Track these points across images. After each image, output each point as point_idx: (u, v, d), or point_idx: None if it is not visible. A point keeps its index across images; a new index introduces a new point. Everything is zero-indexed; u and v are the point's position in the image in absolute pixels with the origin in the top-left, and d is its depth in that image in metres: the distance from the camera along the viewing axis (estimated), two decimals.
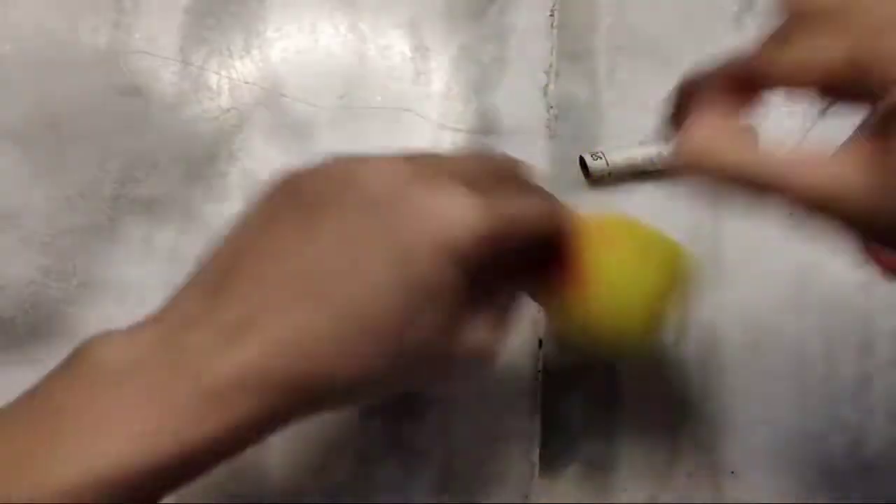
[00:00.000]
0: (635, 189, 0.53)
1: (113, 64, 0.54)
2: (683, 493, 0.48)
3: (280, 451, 0.48)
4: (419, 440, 0.49)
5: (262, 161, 0.53)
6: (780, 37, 0.30)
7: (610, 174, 0.52)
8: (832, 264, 0.52)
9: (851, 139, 0.29)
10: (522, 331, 0.50)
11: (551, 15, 0.57)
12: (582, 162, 0.53)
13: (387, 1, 0.57)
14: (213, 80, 0.54)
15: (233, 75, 0.54)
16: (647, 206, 0.53)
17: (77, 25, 0.55)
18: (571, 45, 0.56)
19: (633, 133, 0.54)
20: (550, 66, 0.56)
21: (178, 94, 0.54)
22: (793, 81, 0.30)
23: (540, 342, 0.50)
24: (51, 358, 0.48)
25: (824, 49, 0.28)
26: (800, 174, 0.28)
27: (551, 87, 0.55)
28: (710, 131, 0.31)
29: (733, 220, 0.53)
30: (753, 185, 0.29)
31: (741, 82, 0.32)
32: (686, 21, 0.57)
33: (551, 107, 0.55)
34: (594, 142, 0.54)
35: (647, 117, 0.54)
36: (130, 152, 0.52)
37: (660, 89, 0.55)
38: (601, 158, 0.52)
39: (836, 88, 0.29)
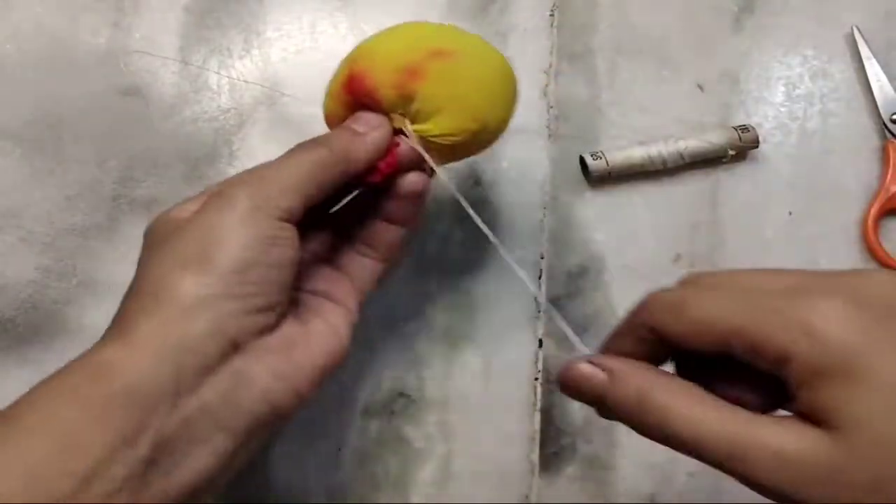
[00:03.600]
0: (635, 188, 0.53)
1: (113, 64, 0.54)
2: (683, 493, 0.48)
3: (280, 451, 0.48)
4: (419, 440, 0.49)
5: (263, 161, 0.53)
6: (675, 301, 0.31)
7: (610, 174, 0.52)
8: (832, 264, 0.52)
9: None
10: (522, 331, 0.50)
11: (551, 15, 0.57)
12: (582, 161, 0.53)
13: (387, 0, 0.57)
14: (213, 79, 0.54)
15: (233, 75, 0.54)
16: (646, 205, 0.53)
17: (77, 25, 0.55)
18: (571, 45, 0.56)
19: (632, 133, 0.54)
20: (550, 65, 0.56)
21: (178, 94, 0.54)
22: (689, 343, 0.30)
23: (540, 342, 0.50)
24: (50, 358, 0.48)
25: (718, 315, 0.29)
26: (746, 458, 0.28)
27: (551, 86, 0.55)
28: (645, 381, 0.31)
29: (733, 220, 0.53)
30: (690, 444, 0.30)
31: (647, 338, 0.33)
32: (686, 21, 0.57)
33: (551, 106, 0.55)
34: (594, 141, 0.54)
35: (647, 117, 0.55)
36: (130, 152, 0.52)
37: (659, 89, 0.56)
38: (601, 158, 0.52)
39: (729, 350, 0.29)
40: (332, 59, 0.56)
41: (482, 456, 0.48)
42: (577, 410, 0.49)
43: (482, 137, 0.41)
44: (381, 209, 0.41)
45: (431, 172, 0.40)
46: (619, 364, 0.32)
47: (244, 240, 0.33)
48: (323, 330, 0.37)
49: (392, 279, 0.51)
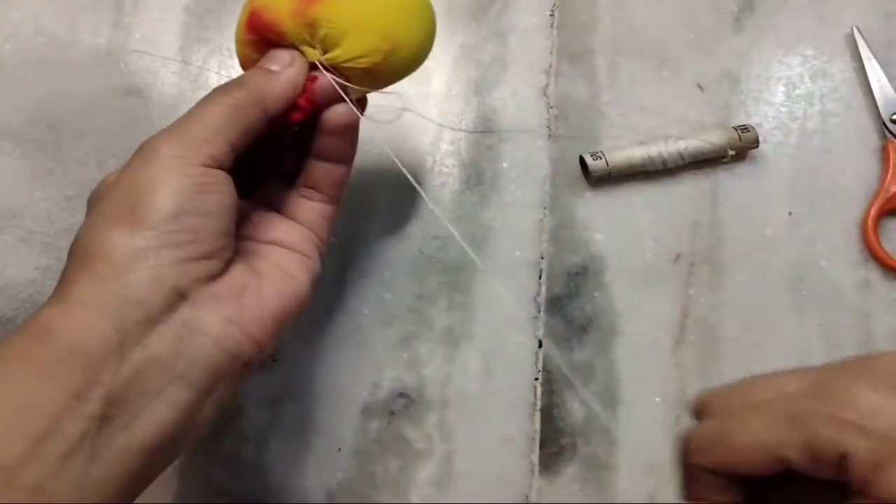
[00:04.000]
0: (635, 189, 0.53)
1: (113, 64, 0.54)
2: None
3: (280, 451, 0.48)
4: (419, 440, 0.49)
5: None
6: (715, 433, 0.31)
7: (610, 174, 0.52)
8: (832, 264, 0.52)
9: None
10: (522, 331, 0.50)
11: (551, 15, 0.57)
12: (582, 161, 0.53)
13: None
14: (213, 79, 0.54)
15: (232, 75, 0.54)
16: (646, 205, 0.53)
17: (77, 25, 0.55)
18: (571, 45, 0.56)
19: (632, 133, 0.54)
20: (550, 65, 0.56)
21: (177, 94, 0.54)
22: (746, 470, 0.30)
23: (540, 342, 0.50)
24: None
25: (766, 435, 0.29)
26: None
27: (551, 86, 0.55)
28: None
29: (733, 220, 0.53)
30: None
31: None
32: (686, 21, 0.57)
33: (551, 106, 0.55)
34: (594, 141, 0.54)
35: (647, 117, 0.55)
36: (130, 152, 0.51)
37: (659, 89, 0.56)
38: (601, 158, 0.52)
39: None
40: None
41: (482, 456, 0.48)
42: (577, 410, 0.49)
43: (398, 57, 0.40)
44: (315, 148, 0.41)
45: (362, 105, 0.40)
46: None
47: (171, 188, 0.33)
48: (276, 275, 0.37)
49: (392, 279, 0.51)
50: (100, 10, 0.55)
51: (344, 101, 0.39)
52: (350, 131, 0.41)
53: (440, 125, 0.54)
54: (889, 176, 0.53)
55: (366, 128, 0.54)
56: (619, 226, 0.53)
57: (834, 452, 0.27)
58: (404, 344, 0.50)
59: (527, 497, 0.48)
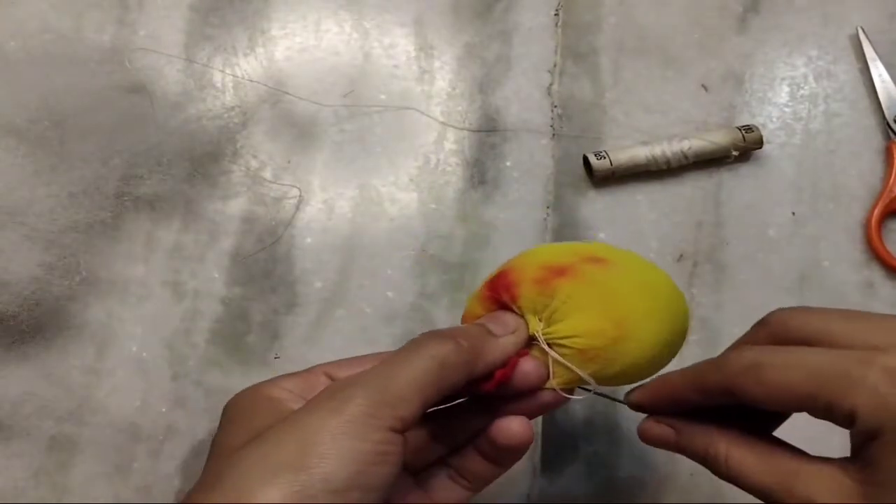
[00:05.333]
0: (638, 188, 0.53)
1: (118, 61, 0.54)
2: (684, 493, 0.48)
3: None
4: None
5: (266, 159, 0.53)
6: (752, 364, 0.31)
7: (613, 173, 0.52)
8: (835, 265, 0.52)
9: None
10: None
11: (556, 14, 0.57)
12: (586, 161, 0.53)
13: None
14: (217, 77, 0.54)
15: (237, 73, 0.55)
16: (650, 205, 0.53)
17: (82, 23, 0.55)
18: (576, 45, 0.56)
19: (636, 132, 0.54)
20: (555, 65, 0.56)
21: (182, 92, 0.54)
22: (764, 403, 0.31)
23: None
24: (53, 355, 0.48)
25: (796, 381, 0.30)
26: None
27: (555, 86, 0.55)
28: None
29: (737, 220, 0.53)
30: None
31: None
32: (690, 21, 0.57)
33: (555, 106, 0.55)
34: (598, 141, 0.54)
35: (651, 117, 0.55)
36: (134, 149, 0.52)
37: (663, 89, 0.56)
38: (605, 157, 0.52)
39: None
40: (336, 57, 0.56)
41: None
42: (578, 410, 0.49)
43: (624, 349, 0.35)
44: (480, 445, 0.37)
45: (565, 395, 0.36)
46: (681, 424, 0.35)
47: (351, 454, 0.29)
48: None
49: (395, 277, 0.51)
50: (105, 7, 0.55)
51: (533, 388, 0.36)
52: (522, 450, 0.36)
53: (444, 124, 0.54)
54: (893, 176, 0.53)
55: (370, 126, 0.54)
56: (622, 225, 0.53)
57: (847, 409, 0.28)
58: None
59: (528, 497, 0.48)
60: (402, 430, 0.31)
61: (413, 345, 0.33)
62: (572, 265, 0.36)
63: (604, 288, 0.36)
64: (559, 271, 0.36)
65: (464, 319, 0.39)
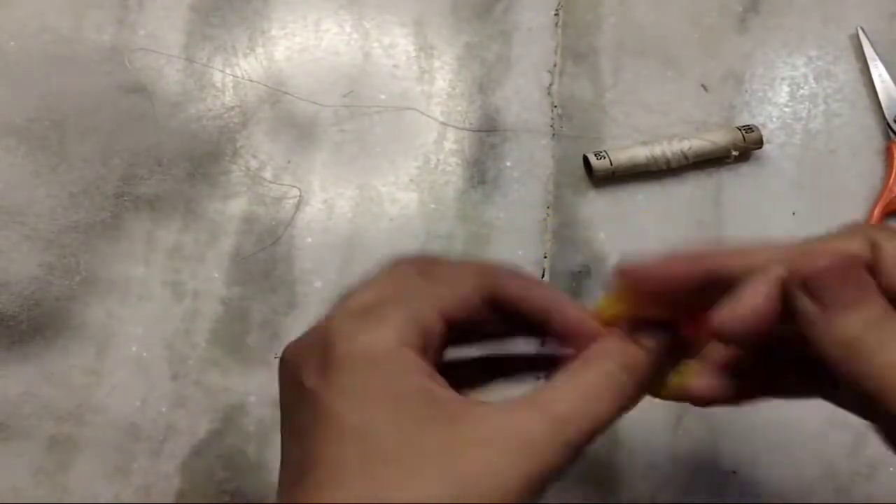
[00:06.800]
0: (638, 188, 0.53)
1: (117, 61, 0.54)
2: (685, 493, 0.48)
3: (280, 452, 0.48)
4: None
5: (266, 159, 0.53)
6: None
7: (613, 173, 0.52)
8: None
9: None
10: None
11: (556, 14, 0.57)
12: (585, 161, 0.53)
13: None
14: (217, 77, 0.54)
15: (237, 73, 0.55)
16: (650, 205, 0.53)
17: (82, 23, 0.55)
18: (576, 45, 0.56)
19: (636, 132, 0.54)
20: (555, 65, 0.56)
21: (182, 92, 0.54)
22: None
23: (542, 341, 0.50)
24: (53, 355, 0.48)
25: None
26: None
27: (555, 86, 0.55)
28: None
29: (736, 220, 0.53)
30: None
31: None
32: (690, 21, 0.57)
33: (555, 106, 0.55)
34: (598, 141, 0.54)
35: (651, 117, 0.55)
36: (134, 149, 0.52)
37: (663, 89, 0.56)
38: (605, 157, 0.52)
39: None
40: (336, 57, 0.56)
41: None
42: None
43: None
44: None
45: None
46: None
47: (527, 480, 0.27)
48: None
49: None
50: (105, 7, 0.55)
51: None
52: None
53: (444, 124, 0.54)
54: (893, 176, 0.53)
55: (370, 126, 0.54)
56: (622, 225, 0.53)
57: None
58: None
59: None
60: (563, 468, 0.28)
61: (596, 355, 0.31)
62: None
63: None
64: None
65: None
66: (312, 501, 0.26)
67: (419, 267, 0.33)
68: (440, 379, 0.29)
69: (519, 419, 0.28)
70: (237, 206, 0.52)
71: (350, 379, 0.28)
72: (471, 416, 0.28)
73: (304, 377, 0.30)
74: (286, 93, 0.54)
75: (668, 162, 0.52)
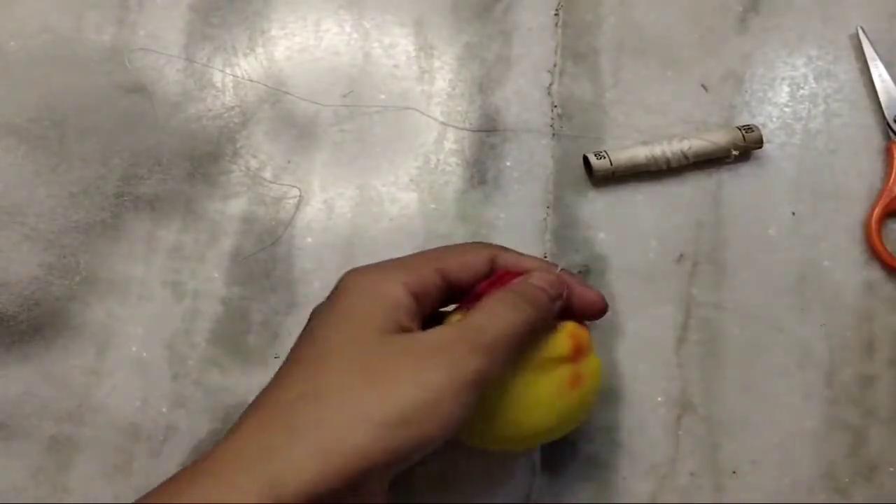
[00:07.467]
0: (638, 188, 0.53)
1: (117, 61, 0.54)
2: (685, 493, 0.48)
3: None
4: None
5: (266, 159, 0.53)
6: None
7: (613, 173, 0.52)
8: (835, 265, 0.52)
9: None
10: None
11: (556, 14, 0.57)
12: (585, 161, 0.53)
13: None
14: (217, 77, 0.54)
15: (237, 73, 0.55)
16: (650, 205, 0.53)
17: (82, 22, 0.55)
18: (576, 45, 0.56)
19: (636, 132, 0.54)
20: (555, 65, 0.56)
21: (182, 92, 0.54)
22: None
23: None
24: (52, 355, 0.48)
25: None
26: None
27: (555, 86, 0.55)
28: None
29: (736, 220, 0.53)
30: None
31: None
32: (690, 21, 0.57)
33: (555, 106, 0.55)
34: (598, 141, 0.54)
35: (651, 117, 0.55)
36: (134, 149, 0.52)
37: (663, 89, 0.56)
38: (605, 157, 0.52)
39: None
40: (336, 57, 0.56)
41: (483, 455, 0.48)
42: None
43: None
44: None
45: None
46: None
47: (441, 414, 0.33)
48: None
49: None
50: (105, 7, 0.55)
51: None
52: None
53: (444, 124, 0.54)
54: (893, 177, 0.53)
55: (370, 126, 0.54)
56: (622, 225, 0.53)
57: None
58: None
59: (527, 497, 0.48)
60: (483, 387, 0.34)
61: (513, 298, 0.37)
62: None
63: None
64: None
65: None
66: (272, 386, 0.34)
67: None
68: (416, 318, 0.37)
69: (442, 334, 0.35)
70: (237, 206, 0.52)
71: (340, 302, 0.37)
72: (408, 337, 0.35)
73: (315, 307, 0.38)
74: (286, 93, 0.54)
75: (668, 162, 0.52)
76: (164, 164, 0.52)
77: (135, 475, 0.47)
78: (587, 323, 0.43)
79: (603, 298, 0.42)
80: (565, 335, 0.40)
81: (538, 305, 0.38)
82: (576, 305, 0.42)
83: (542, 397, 0.39)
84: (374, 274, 0.38)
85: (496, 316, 0.36)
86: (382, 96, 0.55)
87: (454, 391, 0.33)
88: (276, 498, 0.29)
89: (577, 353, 0.40)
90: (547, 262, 0.43)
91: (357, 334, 0.34)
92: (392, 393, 0.32)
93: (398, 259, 0.40)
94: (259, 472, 0.30)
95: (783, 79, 0.56)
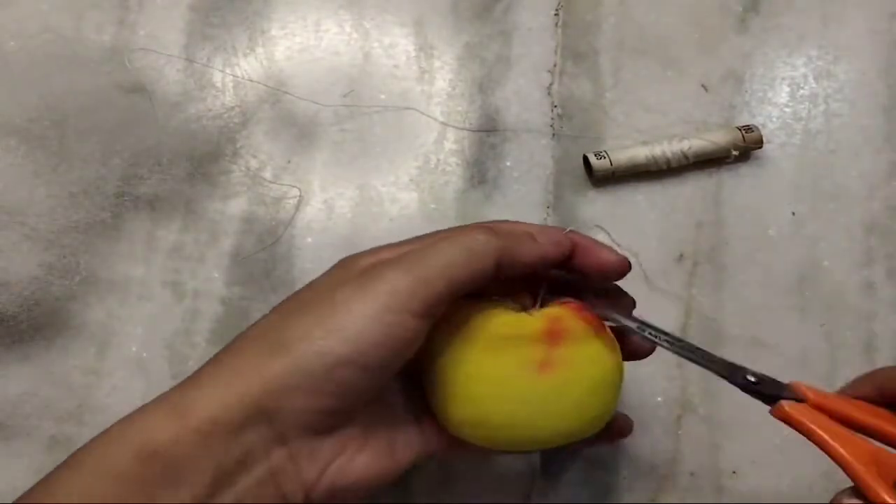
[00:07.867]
0: (638, 188, 0.53)
1: (118, 61, 0.54)
2: (685, 494, 0.48)
3: None
4: None
5: (266, 159, 0.53)
6: None
7: (613, 173, 0.52)
8: (835, 265, 0.52)
9: None
10: None
11: (556, 14, 0.57)
12: (586, 161, 0.53)
13: None
14: (217, 77, 0.54)
15: (237, 73, 0.55)
16: (650, 205, 0.53)
17: (82, 22, 0.55)
18: (576, 45, 0.56)
19: (636, 132, 0.54)
20: (555, 65, 0.56)
21: (182, 92, 0.54)
22: None
23: None
24: (53, 355, 0.48)
25: None
26: None
27: (555, 86, 0.55)
28: None
29: (736, 220, 0.53)
30: None
31: None
32: (690, 21, 0.57)
33: (555, 106, 0.55)
34: (598, 141, 0.54)
35: (651, 117, 0.55)
36: (134, 149, 0.52)
37: (663, 89, 0.56)
38: (605, 157, 0.52)
39: None
40: (336, 57, 0.56)
41: (482, 456, 0.48)
42: None
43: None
44: None
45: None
46: None
47: (363, 332, 0.32)
48: (379, 447, 0.35)
49: None
50: (105, 7, 0.55)
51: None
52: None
53: (444, 124, 0.54)
54: None
55: (370, 126, 0.54)
56: (622, 225, 0.53)
57: None
58: None
59: (528, 497, 0.48)
60: (423, 315, 0.32)
61: (452, 231, 0.36)
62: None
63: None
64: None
65: None
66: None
67: None
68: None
69: (391, 276, 0.33)
70: (237, 206, 0.52)
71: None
72: (365, 277, 0.34)
73: None
74: (286, 92, 0.54)
75: (668, 162, 0.52)
76: (164, 164, 0.52)
77: None
78: (616, 324, 0.40)
79: (618, 256, 0.38)
80: (541, 314, 0.37)
81: (488, 239, 0.35)
82: (591, 265, 0.38)
83: (499, 375, 0.36)
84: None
85: (436, 248, 0.34)
86: (382, 96, 0.55)
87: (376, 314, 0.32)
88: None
89: (554, 337, 0.36)
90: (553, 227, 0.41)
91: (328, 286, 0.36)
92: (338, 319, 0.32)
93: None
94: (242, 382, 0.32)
95: (783, 79, 0.56)
